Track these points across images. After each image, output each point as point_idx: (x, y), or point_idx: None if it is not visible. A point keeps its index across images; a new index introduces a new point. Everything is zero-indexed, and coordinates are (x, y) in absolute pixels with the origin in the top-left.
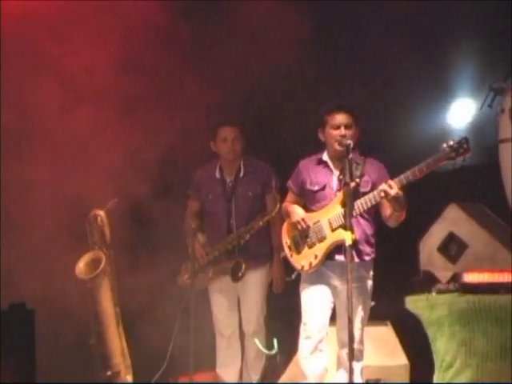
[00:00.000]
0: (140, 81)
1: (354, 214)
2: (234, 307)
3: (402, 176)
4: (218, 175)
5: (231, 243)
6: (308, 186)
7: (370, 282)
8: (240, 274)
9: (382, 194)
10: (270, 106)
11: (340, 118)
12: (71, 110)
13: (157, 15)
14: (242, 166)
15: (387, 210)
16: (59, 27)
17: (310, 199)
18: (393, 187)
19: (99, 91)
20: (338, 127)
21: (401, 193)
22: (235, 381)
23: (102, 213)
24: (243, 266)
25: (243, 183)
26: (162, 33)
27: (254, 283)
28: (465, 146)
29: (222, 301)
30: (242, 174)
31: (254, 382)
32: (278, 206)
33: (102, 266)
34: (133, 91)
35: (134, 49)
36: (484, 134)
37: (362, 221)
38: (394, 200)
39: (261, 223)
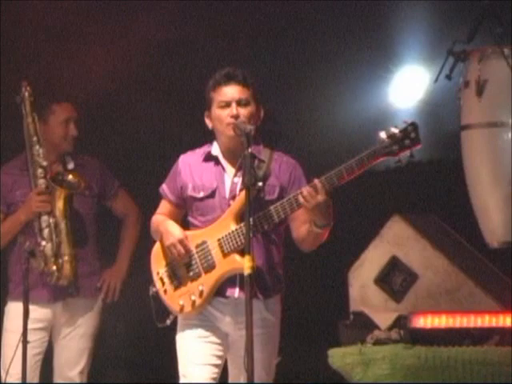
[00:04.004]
0: None
1: (255, 233)
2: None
3: (324, 177)
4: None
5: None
6: (190, 192)
7: (277, 328)
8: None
9: (301, 201)
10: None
11: (230, 91)
12: None
13: None
14: (68, 156)
15: (301, 227)
16: None
17: (192, 211)
18: (318, 191)
19: None
20: (228, 104)
21: (328, 200)
22: None
23: None
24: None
25: None
26: None
27: (84, 315)
28: (412, 135)
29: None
30: (71, 167)
31: None
32: None
33: None
34: None
35: None
36: (440, 118)
37: (265, 243)
38: (318, 210)
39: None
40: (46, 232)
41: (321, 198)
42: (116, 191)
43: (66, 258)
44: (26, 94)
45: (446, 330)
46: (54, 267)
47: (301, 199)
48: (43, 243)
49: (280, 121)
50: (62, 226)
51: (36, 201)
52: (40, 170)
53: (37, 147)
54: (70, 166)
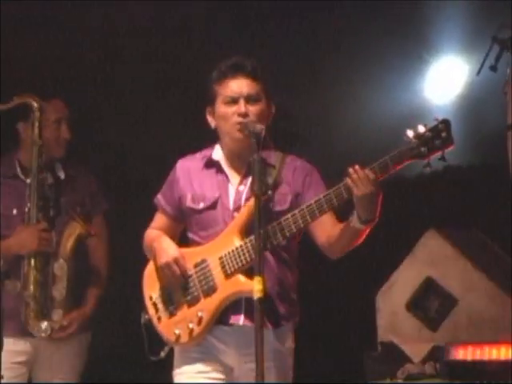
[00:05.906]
0: None
1: (265, 249)
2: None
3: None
4: (21, 176)
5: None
6: (188, 203)
7: (289, 361)
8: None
9: (350, 184)
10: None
11: (237, 85)
12: None
13: None
14: (58, 164)
15: (332, 229)
16: None
17: (192, 225)
18: (370, 178)
19: None
20: (235, 101)
21: (380, 191)
22: None
23: None
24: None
25: (67, 192)
26: None
27: (71, 351)
28: (443, 134)
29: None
30: (63, 177)
31: None
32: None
33: None
34: None
35: None
36: (483, 116)
37: (275, 261)
38: (367, 200)
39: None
40: (37, 275)
41: (373, 187)
42: (96, 215)
43: (59, 307)
44: (37, 113)
45: (490, 363)
46: (46, 323)
47: (349, 182)
48: (31, 288)
49: (296, 119)
50: (65, 268)
51: (41, 238)
52: (42, 203)
53: (44, 175)
54: (61, 175)
